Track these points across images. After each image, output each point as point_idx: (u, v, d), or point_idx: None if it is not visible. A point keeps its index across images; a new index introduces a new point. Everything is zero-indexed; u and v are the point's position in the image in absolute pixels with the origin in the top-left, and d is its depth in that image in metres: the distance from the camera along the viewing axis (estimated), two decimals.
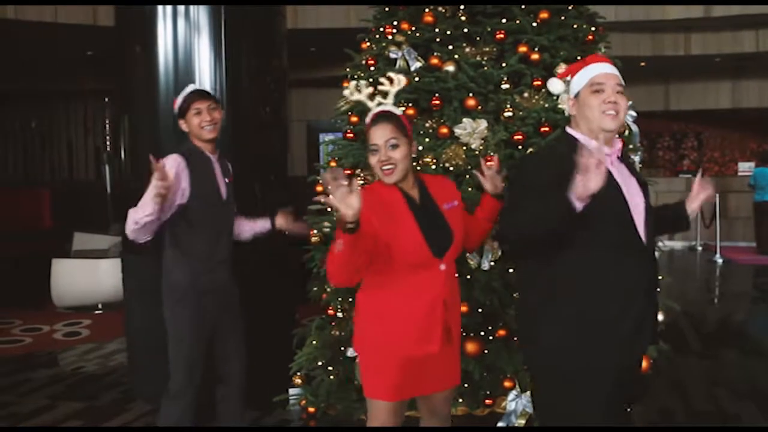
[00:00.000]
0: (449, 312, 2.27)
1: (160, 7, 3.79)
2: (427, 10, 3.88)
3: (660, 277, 3.77)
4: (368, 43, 4.08)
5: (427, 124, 3.70)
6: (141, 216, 2.57)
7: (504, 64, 3.75)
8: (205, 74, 3.82)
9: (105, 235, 7.52)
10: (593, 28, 3.94)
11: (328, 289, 3.81)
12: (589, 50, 3.86)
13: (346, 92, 2.65)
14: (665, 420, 3.74)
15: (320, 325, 3.85)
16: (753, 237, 10.74)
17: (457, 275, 2.39)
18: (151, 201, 2.53)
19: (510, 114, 3.62)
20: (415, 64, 3.75)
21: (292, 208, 3.15)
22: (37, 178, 13.02)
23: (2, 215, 9.10)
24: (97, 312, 6.66)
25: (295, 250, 3.20)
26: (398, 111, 2.34)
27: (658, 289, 3.51)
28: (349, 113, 3.96)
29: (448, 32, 3.81)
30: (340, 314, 3.79)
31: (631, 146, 3.79)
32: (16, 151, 13.45)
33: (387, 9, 4.09)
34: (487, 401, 3.57)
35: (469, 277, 3.44)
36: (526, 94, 3.67)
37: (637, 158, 3.88)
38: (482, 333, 3.52)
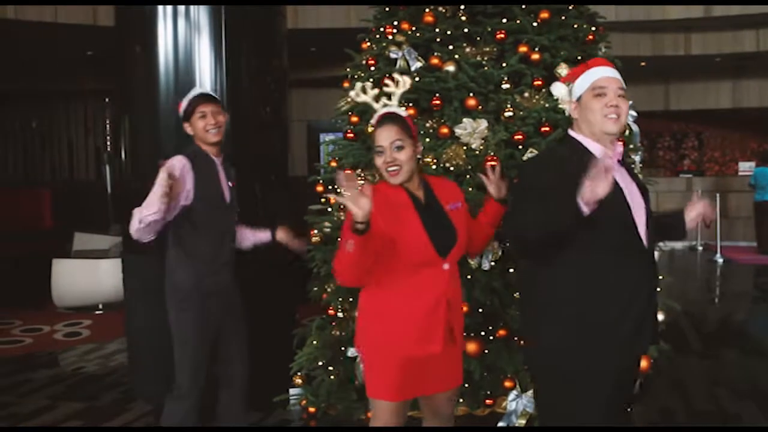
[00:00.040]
0: (452, 312, 2.28)
1: (160, 7, 3.79)
2: (427, 10, 3.88)
3: (660, 277, 3.78)
4: (368, 43, 4.08)
5: (427, 124, 3.70)
6: (145, 215, 2.58)
7: (504, 64, 3.74)
8: (205, 74, 3.82)
9: (105, 235, 7.53)
10: (593, 28, 3.94)
11: (329, 289, 3.81)
12: (590, 50, 3.87)
13: (351, 93, 2.67)
14: (666, 420, 3.74)
15: (320, 325, 3.85)
16: (753, 237, 10.74)
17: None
18: (157, 200, 2.54)
19: (510, 114, 3.62)
20: (416, 64, 3.75)
21: (294, 224, 3.19)
22: (37, 178, 13.02)
23: (3, 215, 9.10)
24: (97, 312, 6.66)
25: (297, 236, 3.20)
26: (403, 113, 2.36)
27: (659, 289, 3.52)
28: (350, 113, 3.96)
29: (449, 32, 3.81)
30: (340, 314, 3.79)
31: (631, 146, 3.79)
32: (16, 151, 13.46)
33: (387, 9, 4.09)
34: (487, 401, 3.57)
35: (469, 277, 3.44)
36: (526, 94, 3.67)
37: (637, 158, 3.88)
38: (483, 333, 3.52)
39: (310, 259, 3.85)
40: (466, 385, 3.47)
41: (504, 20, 3.81)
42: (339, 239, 2.25)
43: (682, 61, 11.48)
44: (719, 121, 14.31)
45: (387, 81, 2.54)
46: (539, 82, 3.69)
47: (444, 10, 3.91)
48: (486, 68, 3.70)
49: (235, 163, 3.10)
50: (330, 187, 3.97)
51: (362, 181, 3.69)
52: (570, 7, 3.93)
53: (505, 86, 3.71)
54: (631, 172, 2.19)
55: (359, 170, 3.77)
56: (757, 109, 13.10)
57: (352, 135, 3.92)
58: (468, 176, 3.54)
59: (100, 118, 13.36)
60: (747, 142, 14.56)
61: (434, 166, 3.53)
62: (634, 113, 3.84)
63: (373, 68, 3.91)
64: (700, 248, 10.99)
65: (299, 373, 3.82)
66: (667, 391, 4.17)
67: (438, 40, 3.82)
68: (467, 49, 3.77)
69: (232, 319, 2.94)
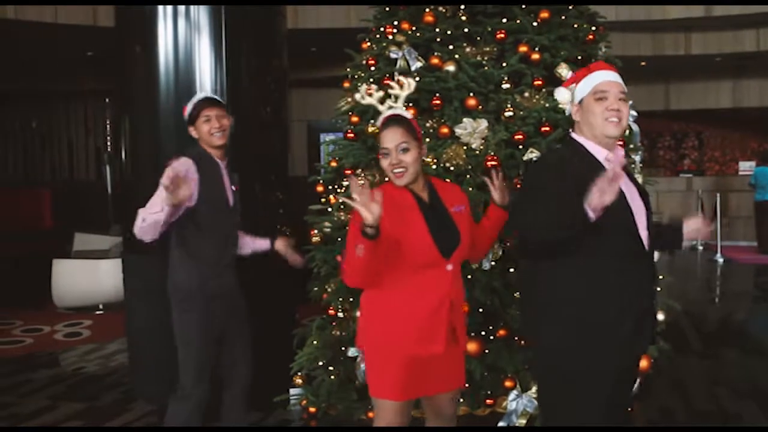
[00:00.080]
0: (454, 312, 2.30)
1: (160, 7, 3.79)
2: (427, 9, 3.88)
3: (661, 277, 3.78)
4: (369, 43, 4.08)
5: (427, 124, 3.70)
6: (148, 213, 2.59)
7: (504, 64, 3.74)
8: (205, 74, 3.82)
9: (106, 235, 7.53)
10: (594, 28, 3.94)
11: (329, 289, 3.81)
12: (590, 50, 3.87)
13: (357, 96, 2.70)
14: (666, 419, 3.74)
15: (321, 325, 3.85)
16: (754, 236, 10.74)
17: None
18: (161, 200, 2.55)
19: (510, 114, 3.62)
20: (416, 64, 3.75)
21: (294, 238, 3.22)
22: (37, 179, 13.03)
23: (3, 215, 9.11)
24: (97, 312, 6.66)
25: (296, 250, 3.22)
26: (408, 115, 2.39)
27: (659, 289, 3.52)
28: (350, 113, 3.96)
29: (449, 32, 3.81)
30: (340, 314, 3.79)
31: (631, 146, 3.79)
32: (16, 151, 13.46)
33: (387, 9, 4.09)
34: (488, 401, 3.57)
35: (469, 277, 3.44)
36: (526, 94, 3.67)
37: (637, 158, 3.88)
38: (483, 333, 3.52)
39: (310, 260, 3.85)
40: (467, 385, 3.47)
41: (504, 20, 3.81)
42: (346, 242, 2.26)
43: (682, 60, 11.48)
44: (719, 121, 14.30)
45: (392, 83, 2.57)
46: (539, 82, 3.69)
47: (444, 10, 3.91)
48: (486, 68, 3.70)
49: (235, 163, 3.10)
50: (330, 187, 3.97)
51: (362, 181, 3.70)
52: (570, 7, 3.93)
53: (506, 86, 3.71)
54: (630, 175, 2.21)
55: (359, 170, 3.77)
56: (758, 108, 13.10)
57: (352, 135, 3.92)
58: (468, 176, 3.54)
59: (100, 119, 13.36)
60: (747, 141, 14.56)
61: (434, 166, 3.53)
62: (634, 113, 3.84)
63: (373, 68, 3.91)
64: (701, 248, 10.99)
65: (299, 373, 3.83)
66: (668, 390, 4.17)
67: (438, 39, 3.82)
68: (467, 49, 3.77)
69: (235, 320, 2.95)
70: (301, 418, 3.76)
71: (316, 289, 3.91)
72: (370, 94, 2.57)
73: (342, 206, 3.81)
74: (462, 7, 3.88)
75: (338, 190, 3.89)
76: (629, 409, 3.23)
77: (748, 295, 7.78)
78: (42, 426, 3.78)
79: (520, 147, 3.58)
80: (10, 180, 12.94)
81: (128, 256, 4.09)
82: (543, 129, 3.57)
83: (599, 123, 2.05)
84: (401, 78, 2.55)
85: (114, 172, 9.55)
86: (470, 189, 3.43)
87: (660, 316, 3.83)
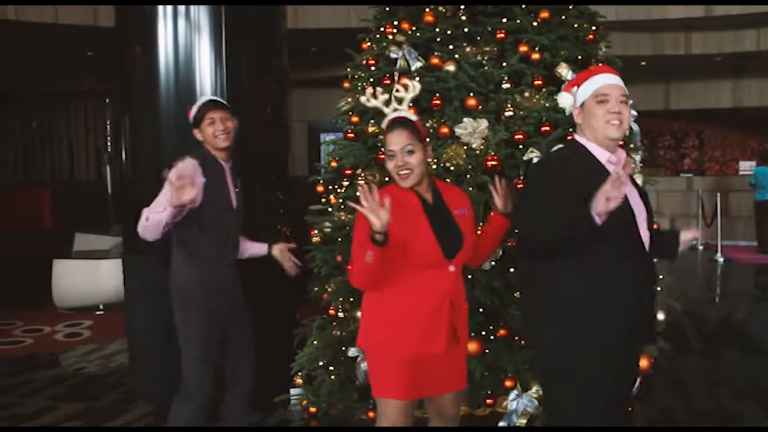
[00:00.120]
0: (455, 313, 2.32)
1: (160, 7, 3.79)
2: (427, 9, 3.88)
3: (661, 277, 3.78)
4: (369, 43, 4.08)
5: (427, 124, 3.69)
6: (151, 213, 2.60)
7: (504, 64, 3.74)
8: (205, 74, 3.82)
9: (106, 235, 7.53)
10: (594, 28, 3.94)
11: (329, 289, 3.81)
12: (590, 49, 3.87)
13: (362, 98, 2.73)
14: (666, 419, 3.73)
15: (321, 325, 3.85)
16: (754, 236, 10.73)
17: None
18: (165, 200, 2.56)
19: (511, 113, 3.62)
20: (416, 64, 3.75)
21: (294, 241, 3.21)
22: (37, 179, 13.04)
23: (3, 216, 9.12)
24: (98, 313, 6.66)
25: (296, 250, 3.22)
26: (413, 117, 2.41)
27: (659, 289, 3.52)
28: (350, 113, 3.96)
29: (449, 32, 3.81)
30: (341, 314, 3.79)
31: (631, 146, 3.79)
32: (16, 151, 13.46)
33: (387, 9, 4.09)
34: (488, 401, 3.57)
35: (470, 276, 3.43)
36: (526, 94, 3.67)
37: (637, 158, 3.88)
38: (483, 333, 3.52)
39: (310, 259, 3.85)
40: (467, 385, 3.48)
41: (504, 20, 3.81)
42: (352, 246, 2.28)
43: (682, 60, 11.48)
44: (720, 121, 14.30)
45: (398, 86, 2.60)
46: (539, 82, 3.69)
47: (444, 10, 3.90)
48: (486, 68, 3.70)
49: (235, 163, 3.10)
50: (330, 187, 3.97)
51: (362, 181, 3.70)
52: (570, 7, 3.93)
53: (506, 86, 3.71)
54: (629, 175, 2.22)
55: (359, 170, 3.77)
56: (758, 108, 13.09)
57: (352, 135, 3.92)
58: (468, 176, 3.54)
59: (100, 119, 13.37)
60: (747, 141, 14.55)
61: (434, 166, 3.53)
62: (634, 113, 3.84)
63: (373, 68, 3.91)
64: (701, 248, 10.99)
65: (300, 373, 3.83)
66: (668, 390, 4.17)
67: (438, 39, 3.82)
68: (467, 49, 3.77)
69: (237, 320, 2.96)
70: (301, 418, 3.76)
71: (316, 289, 3.91)
72: (375, 97, 2.60)
73: (342, 206, 3.81)
74: (462, 6, 3.88)
75: (338, 190, 3.89)
76: (629, 408, 3.23)
77: (748, 295, 7.78)
78: (42, 426, 3.78)
79: (521, 147, 3.58)
80: (11, 180, 12.95)
81: (128, 256, 4.09)
82: (543, 129, 3.57)
83: (601, 125, 2.08)
84: (406, 81, 2.58)
85: (114, 173, 9.55)
86: (470, 189, 3.43)
87: (660, 316, 3.83)
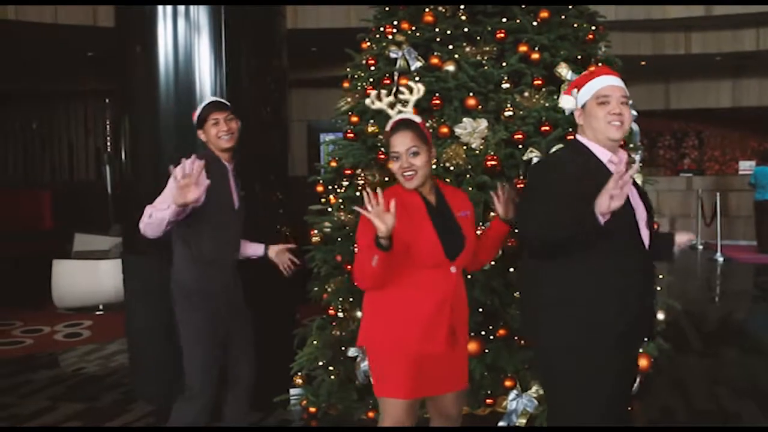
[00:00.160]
0: (455, 313, 2.34)
1: (160, 8, 3.79)
2: (427, 9, 3.88)
3: (661, 276, 3.78)
4: (368, 43, 4.08)
5: (427, 124, 3.69)
6: (155, 210, 2.61)
7: (504, 64, 3.74)
8: (205, 74, 3.82)
9: (106, 236, 7.53)
10: (593, 27, 3.94)
11: (329, 289, 3.81)
12: (590, 49, 3.87)
13: (367, 101, 2.74)
14: (666, 419, 3.74)
15: (321, 325, 3.85)
16: (753, 236, 10.74)
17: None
18: (170, 197, 2.56)
19: (510, 113, 3.62)
20: (416, 64, 3.75)
21: (293, 242, 3.23)
22: (37, 179, 13.03)
23: (3, 216, 9.11)
24: (97, 313, 6.66)
25: (296, 250, 3.22)
26: (417, 119, 2.43)
27: (659, 288, 3.52)
28: (350, 113, 3.96)
29: (449, 32, 3.81)
30: (340, 314, 3.79)
31: (631, 145, 3.79)
32: (16, 151, 13.46)
33: (387, 9, 4.09)
34: (488, 401, 3.57)
35: (469, 276, 3.43)
36: (526, 94, 3.67)
37: (637, 157, 3.88)
38: (483, 333, 3.52)
39: (309, 259, 3.85)
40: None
41: (504, 20, 3.81)
42: (356, 250, 2.29)
43: (682, 60, 11.48)
44: (719, 120, 14.30)
45: (402, 88, 2.62)
46: (539, 82, 3.69)
47: (444, 10, 3.90)
48: (486, 68, 3.70)
49: (236, 162, 3.10)
50: (330, 187, 3.97)
51: (362, 182, 3.70)
52: (570, 7, 3.93)
53: (505, 86, 3.71)
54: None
55: (359, 170, 3.77)
56: (757, 108, 13.10)
57: (352, 135, 3.92)
58: (468, 176, 3.54)
59: (100, 119, 13.37)
60: (747, 141, 14.56)
61: (434, 166, 3.52)
62: (634, 112, 3.84)
63: (373, 68, 3.91)
64: (701, 247, 10.99)
65: (300, 373, 3.83)
66: (668, 390, 4.17)
67: (438, 39, 3.82)
68: (467, 49, 3.77)
69: (238, 320, 2.96)
70: (301, 418, 3.76)
71: (316, 289, 3.91)
72: (380, 99, 2.62)
73: (342, 206, 3.81)
74: (462, 6, 3.88)
75: (338, 190, 3.89)
76: (629, 408, 3.23)
77: (747, 295, 7.78)
78: (42, 426, 3.78)
79: (520, 147, 3.58)
80: (11, 180, 12.95)
81: (128, 256, 4.09)
82: (543, 128, 3.57)
83: (602, 126, 2.09)
84: (411, 83, 2.60)
85: (114, 173, 9.55)
86: (470, 189, 3.43)
87: (660, 316, 3.83)
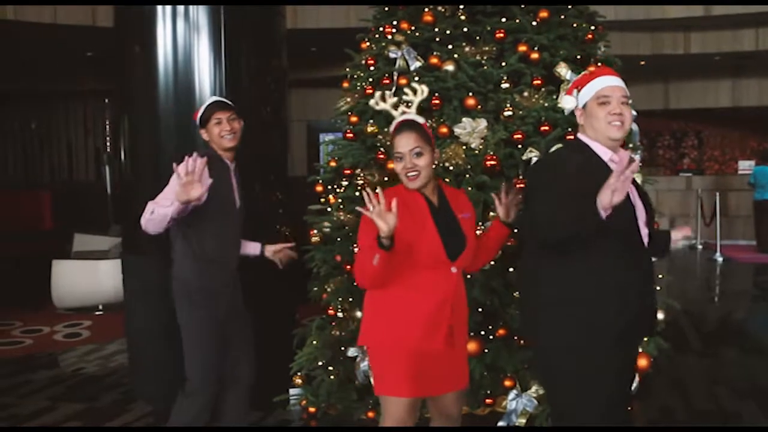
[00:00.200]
0: (455, 314, 2.35)
1: (159, 8, 3.79)
2: (426, 9, 3.88)
3: (660, 276, 3.78)
4: (368, 43, 4.08)
5: (427, 124, 3.69)
6: (157, 206, 2.62)
7: (504, 64, 3.74)
8: (204, 74, 3.82)
9: (105, 236, 7.52)
10: (593, 27, 3.94)
11: (329, 289, 3.81)
12: (589, 49, 3.87)
13: (371, 102, 2.76)
14: (666, 419, 3.74)
15: (320, 325, 3.85)
16: (753, 235, 10.75)
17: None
18: (172, 194, 2.56)
19: (510, 113, 3.62)
20: (415, 64, 3.75)
21: (291, 240, 3.26)
22: (37, 179, 13.02)
23: (2, 216, 9.09)
24: (97, 313, 6.66)
25: (296, 250, 3.23)
26: (421, 120, 2.45)
27: (658, 288, 3.52)
28: (349, 113, 3.96)
29: (448, 32, 3.81)
30: (340, 314, 3.79)
31: (631, 145, 3.79)
32: (15, 151, 13.45)
33: (386, 9, 4.09)
34: (487, 400, 3.57)
35: (469, 276, 3.43)
36: (525, 93, 3.67)
37: (637, 157, 3.88)
38: (482, 332, 3.52)
39: (309, 259, 3.85)
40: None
41: (503, 19, 3.81)
42: (358, 250, 2.30)
43: (681, 60, 11.48)
44: (719, 120, 14.31)
45: (406, 89, 2.65)
46: (538, 82, 3.69)
47: (443, 10, 3.90)
48: (485, 67, 3.70)
49: (235, 162, 3.10)
50: (330, 187, 3.97)
51: (361, 182, 3.70)
52: (569, 6, 3.93)
53: (505, 85, 3.71)
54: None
55: (359, 170, 3.77)
56: (757, 107, 13.10)
57: (351, 135, 3.92)
58: (467, 176, 3.54)
59: (99, 119, 13.36)
60: (746, 140, 14.56)
61: (434, 166, 3.52)
62: (634, 112, 3.83)
63: (372, 68, 3.91)
64: (700, 247, 10.99)
65: (299, 373, 3.83)
66: (667, 390, 4.17)
67: (437, 39, 3.82)
68: (466, 49, 3.77)
69: (238, 320, 2.97)
70: (300, 418, 3.76)
71: (315, 289, 3.91)
72: (384, 100, 2.64)
73: (341, 206, 3.81)
74: (461, 6, 3.88)
75: (337, 190, 3.89)
76: (629, 407, 3.23)
77: (747, 294, 7.78)
78: (42, 426, 3.78)
79: (520, 146, 3.58)
80: (10, 181, 12.93)
81: (128, 256, 4.09)
82: (542, 128, 3.57)
83: (602, 126, 2.11)
84: (415, 84, 2.63)
85: (113, 173, 9.54)
86: (469, 188, 3.43)
87: (660, 315, 3.82)
